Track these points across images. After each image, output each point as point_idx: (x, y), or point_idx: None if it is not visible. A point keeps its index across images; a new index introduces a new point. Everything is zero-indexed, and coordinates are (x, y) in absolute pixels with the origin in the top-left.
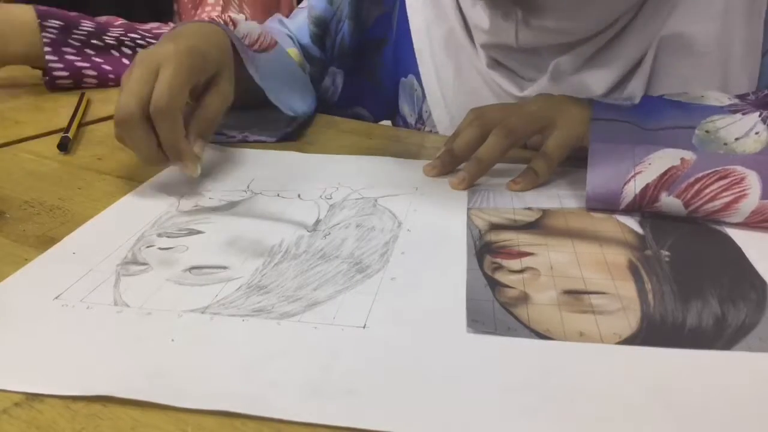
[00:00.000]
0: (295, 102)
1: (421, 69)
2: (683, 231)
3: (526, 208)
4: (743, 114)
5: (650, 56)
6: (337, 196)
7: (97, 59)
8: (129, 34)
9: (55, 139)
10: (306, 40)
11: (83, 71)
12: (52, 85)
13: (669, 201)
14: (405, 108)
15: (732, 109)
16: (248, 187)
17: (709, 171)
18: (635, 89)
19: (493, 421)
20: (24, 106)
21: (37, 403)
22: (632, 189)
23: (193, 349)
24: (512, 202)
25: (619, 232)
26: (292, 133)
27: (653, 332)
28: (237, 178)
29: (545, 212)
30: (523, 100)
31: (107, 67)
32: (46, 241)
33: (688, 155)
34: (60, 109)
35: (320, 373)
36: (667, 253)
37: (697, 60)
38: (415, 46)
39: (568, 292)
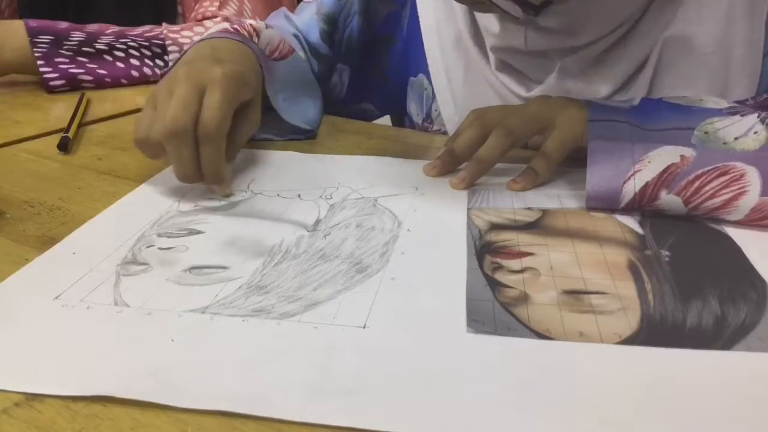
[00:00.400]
0: (308, 108)
1: (431, 68)
2: (683, 231)
3: (526, 208)
4: (742, 116)
5: (654, 56)
6: (337, 196)
7: (91, 65)
8: (120, 39)
9: (55, 139)
10: (315, 37)
11: (78, 76)
12: (50, 89)
13: (669, 199)
14: (412, 107)
15: (731, 111)
16: (248, 187)
17: (709, 168)
18: (639, 89)
19: (493, 421)
20: (24, 106)
21: (37, 403)
22: (632, 187)
23: (193, 349)
24: (512, 202)
25: (619, 232)
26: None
27: (653, 332)
28: (237, 178)
29: (545, 212)
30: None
31: (102, 71)
32: (46, 241)
33: (688, 152)
34: (60, 109)
35: (320, 373)
36: (667, 253)
37: (700, 60)
38: (426, 45)
39: (568, 292)
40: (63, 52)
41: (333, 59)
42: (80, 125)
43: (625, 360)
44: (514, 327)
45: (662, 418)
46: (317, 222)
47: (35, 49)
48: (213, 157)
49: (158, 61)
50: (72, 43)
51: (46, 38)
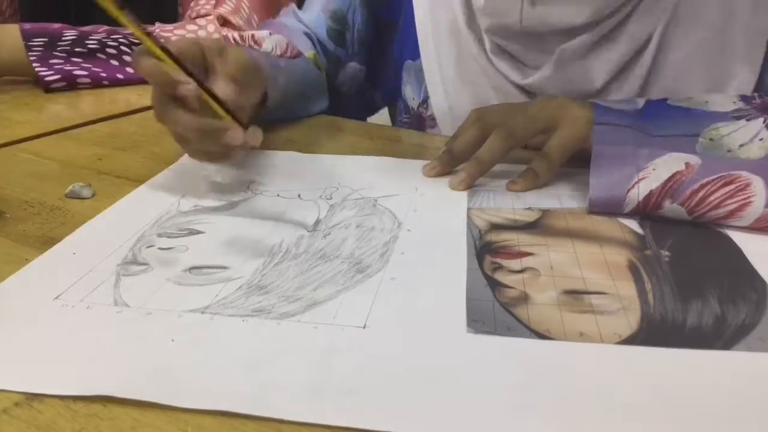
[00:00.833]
0: (311, 107)
1: (423, 53)
2: (683, 231)
3: (526, 208)
4: (747, 120)
5: (653, 43)
6: (337, 196)
7: (86, 64)
8: (112, 36)
9: (56, 139)
10: (322, 34)
11: (74, 72)
12: (47, 88)
13: (673, 208)
14: (408, 90)
15: (736, 115)
16: (248, 187)
17: (715, 177)
18: (636, 77)
19: (493, 421)
20: (24, 106)
21: (37, 403)
22: (636, 195)
23: (193, 349)
24: (512, 202)
25: (619, 232)
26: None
27: (653, 332)
28: (237, 178)
29: (545, 212)
30: (525, 96)
31: (97, 69)
32: (46, 241)
33: (693, 159)
34: (59, 109)
35: (320, 373)
36: (667, 253)
37: (699, 47)
38: (418, 30)
39: (568, 292)
40: (57, 53)
41: (339, 58)
42: (80, 125)
43: (625, 360)
44: (514, 327)
45: (662, 418)
46: (317, 222)
47: (30, 53)
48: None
49: None
50: (65, 43)
51: (40, 41)
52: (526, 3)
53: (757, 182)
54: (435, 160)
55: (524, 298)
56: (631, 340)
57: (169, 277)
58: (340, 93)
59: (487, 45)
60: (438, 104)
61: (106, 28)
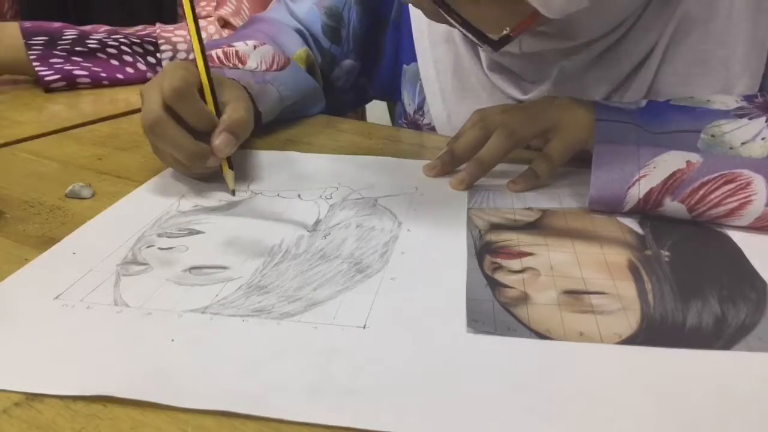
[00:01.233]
0: (308, 110)
1: (419, 59)
2: (683, 231)
3: (526, 208)
4: (750, 119)
5: (658, 53)
6: (337, 196)
7: (86, 64)
8: (112, 36)
9: (56, 139)
10: (317, 30)
11: (74, 72)
12: (47, 88)
13: (673, 206)
14: (406, 95)
15: (738, 113)
16: (248, 187)
17: (716, 175)
18: (638, 89)
19: (493, 421)
20: (24, 106)
21: (37, 403)
22: (636, 193)
23: (193, 349)
24: (512, 202)
25: (619, 232)
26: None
27: (653, 332)
28: (237, 178)
29: (545, 212)
30: (526, 101)
31: (97, 69)
32: (46, 241)
33: (694, 158)
34: (59, 109)
35: (320, 373)
36: (667, 253)
37: (699, 58)
38: (414, 35)
39: (568, 292)
40: (57, 52)
41: (334, 55)
42: (81, 126)
43: (625, 360)
44: (514, 327)
45: (662, 418)
46: (317, 222)
47: (30, 52)
48: (193, 110)
49: (150, 59)
50: (65, 42)
51: (40, 39)
52: (525, 34)
53: (758, 181)
54: (436, 159)
55: (524, 298)
56: (631, 340)
57: (169, 277)
58: (334, 87)
59: (485, 62)
60: (437, 113)
61: (106, 27)
